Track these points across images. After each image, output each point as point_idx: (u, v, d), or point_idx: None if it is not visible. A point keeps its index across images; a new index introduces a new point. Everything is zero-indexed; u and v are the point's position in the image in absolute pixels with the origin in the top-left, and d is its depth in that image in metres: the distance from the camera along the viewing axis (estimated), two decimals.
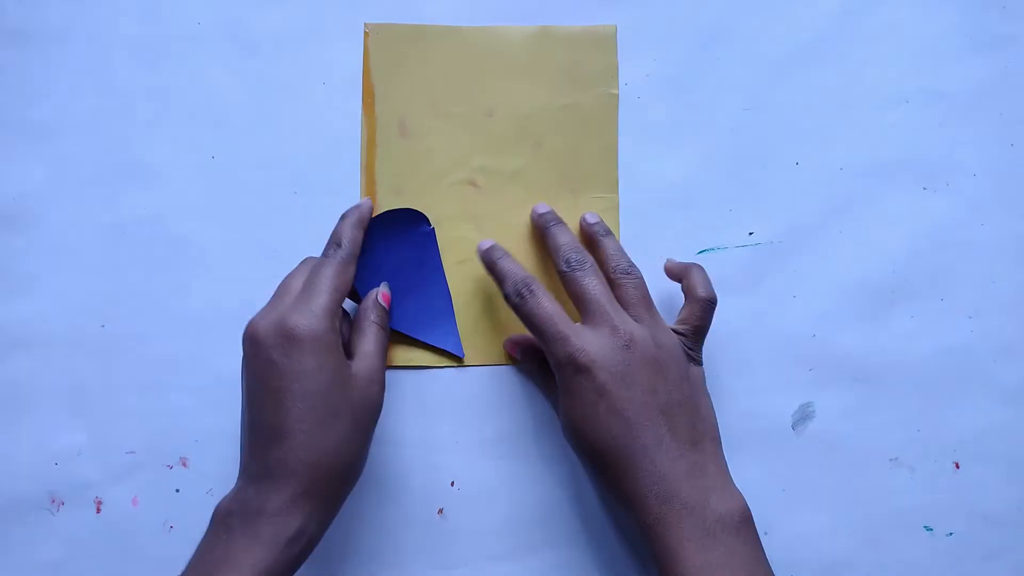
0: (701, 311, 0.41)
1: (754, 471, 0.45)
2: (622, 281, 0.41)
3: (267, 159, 0.46)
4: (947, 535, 0.45)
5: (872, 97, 0.47)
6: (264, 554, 0.34)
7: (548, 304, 0.39)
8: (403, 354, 0.45)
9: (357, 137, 0.46)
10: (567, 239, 0.42)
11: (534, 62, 0.47)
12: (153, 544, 0.43)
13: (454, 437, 0.45)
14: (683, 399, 0.38)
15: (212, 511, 0.37)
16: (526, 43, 0.47)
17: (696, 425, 0.38)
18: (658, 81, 0.47)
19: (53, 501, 0.44)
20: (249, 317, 0.44)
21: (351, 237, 0.41)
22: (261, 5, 0.47)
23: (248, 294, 0.45)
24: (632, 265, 0.42)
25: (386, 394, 0.40)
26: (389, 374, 0.44)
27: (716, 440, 0.39)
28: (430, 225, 0.45)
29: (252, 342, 0.37)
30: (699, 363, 0.41)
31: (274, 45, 0.47)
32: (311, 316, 0.37)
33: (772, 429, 0.45)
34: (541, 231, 0.44)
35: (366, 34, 0.47)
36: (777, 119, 0.47)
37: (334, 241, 0.40)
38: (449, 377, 0.45)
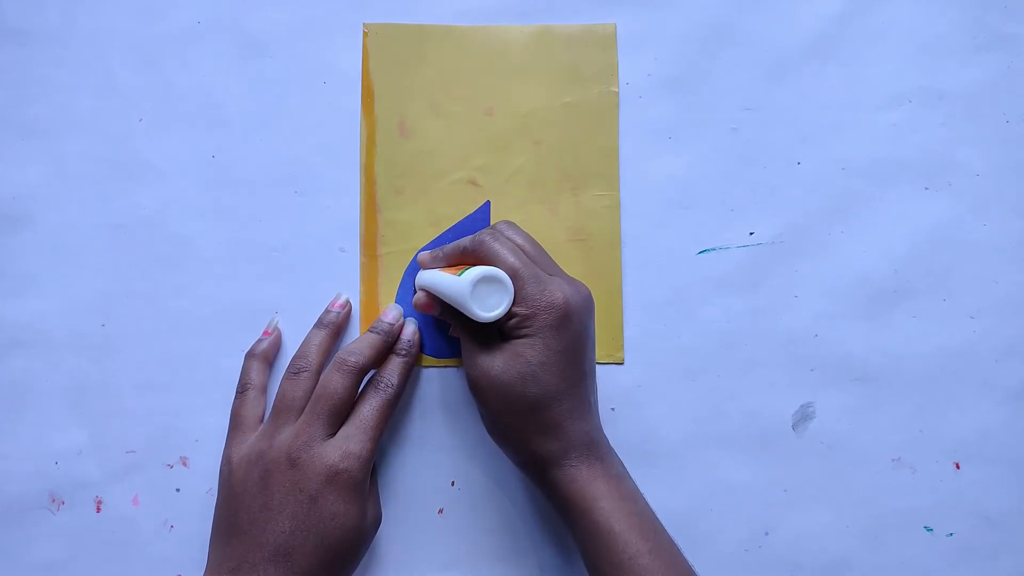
0: None
1: (754, 471, 0.45)
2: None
3: (267, 159, 0.46)
4: (947, 535, 0.45)
5: (873, 97, 0.47)
6: None
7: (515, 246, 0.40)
8: None
9: (357, 137, 0.46)
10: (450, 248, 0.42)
11: (534, 61, 0.47)
12: (153, 544, 0.43)
13: (454, 437, 0.45)
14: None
15: None
16: (526, 42, 0.47)
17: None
18: (659, 80, 0.47)
19: (53, 501, 0.44)
20: (249, 316, 0.45)
21: (403, 379, 0.42)
22: (261, 5, 0.47)
23: (248, 294, 0.45)
24: None
25: None
26: None
27: None
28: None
29: (291, 465, 0.38)
30: None
31: (274, 45, 0.47)
32: (359, 462, 0.38)
33: (772, 429, 0.45)
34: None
35: (365, 34, 0.47)
36: (778, 119, 0.47)
37: (387, 381, 0.41)
38: (449, 377, 0.45)
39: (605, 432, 0.41)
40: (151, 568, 0.43)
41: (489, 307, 0.37)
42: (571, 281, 0.39)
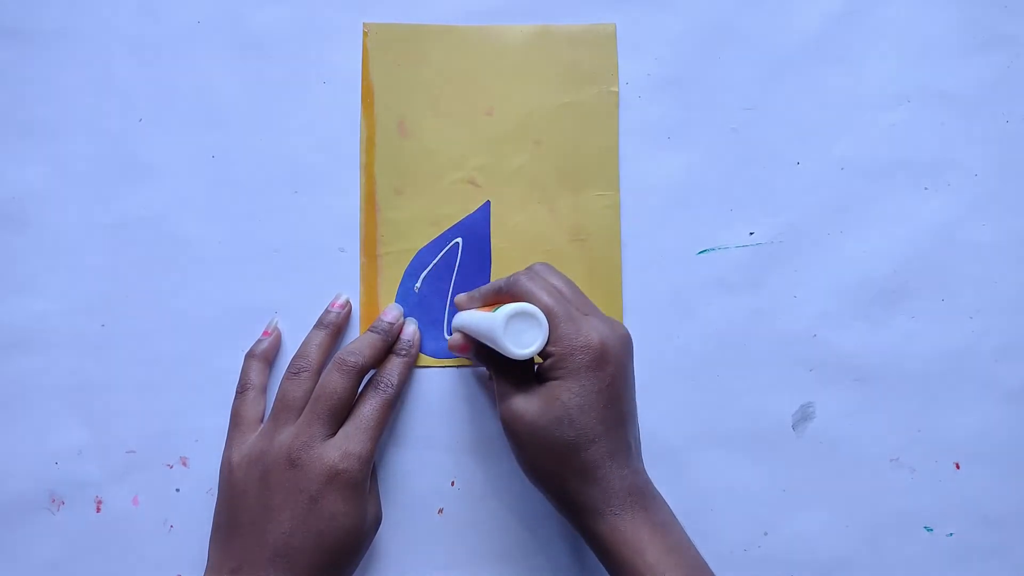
0: None
1: (754, 471, 0.45)
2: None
3: (267, 159, 0.46)
4: (947, 535, 0.45)
5: (873, 97, 0.47)
6: None
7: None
8: None
9: (357, 137, 0.46)
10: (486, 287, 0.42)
11: (534, 61, 0.47)
12: (153, 544, 0.43)
13: (454, 437, 0.45)
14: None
15: None
16: (526, 42, 0.47)
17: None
18: (659, 80, 0.47)
19: (53, 500, 0.44)
20: (249, 316, 0.45)
21: (403, 379, 0.43)
22: (261, 5, 0.47)
23: (248, 294, 0.45)
24: None
25: None
26: None
27: None
28: None
29: (291, 465, 0.38)
30: None
31: (274, 45, 0.46)
32: (359, 462, 0.38)
33: (772, 429, 0.45)
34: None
35: (365, 34, 0.47)
36: (778, 119, 0.47)
37: (387, 381, 0.42)
38: (449, 377, 0.45)
39: None
40: (151, 568, 0.43)
41: (523, 344, 0.36)
42: (608, 321, 0.38)
